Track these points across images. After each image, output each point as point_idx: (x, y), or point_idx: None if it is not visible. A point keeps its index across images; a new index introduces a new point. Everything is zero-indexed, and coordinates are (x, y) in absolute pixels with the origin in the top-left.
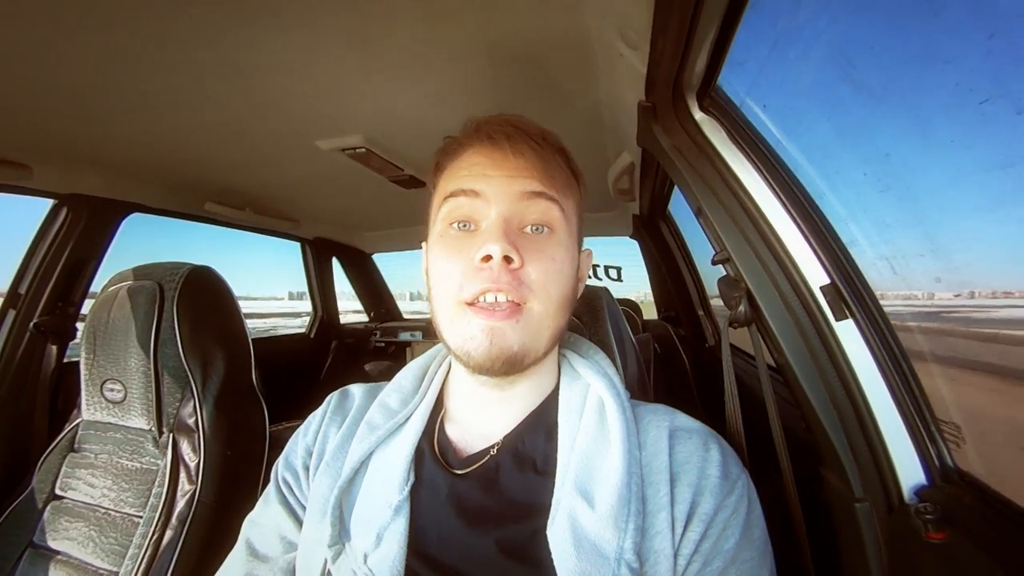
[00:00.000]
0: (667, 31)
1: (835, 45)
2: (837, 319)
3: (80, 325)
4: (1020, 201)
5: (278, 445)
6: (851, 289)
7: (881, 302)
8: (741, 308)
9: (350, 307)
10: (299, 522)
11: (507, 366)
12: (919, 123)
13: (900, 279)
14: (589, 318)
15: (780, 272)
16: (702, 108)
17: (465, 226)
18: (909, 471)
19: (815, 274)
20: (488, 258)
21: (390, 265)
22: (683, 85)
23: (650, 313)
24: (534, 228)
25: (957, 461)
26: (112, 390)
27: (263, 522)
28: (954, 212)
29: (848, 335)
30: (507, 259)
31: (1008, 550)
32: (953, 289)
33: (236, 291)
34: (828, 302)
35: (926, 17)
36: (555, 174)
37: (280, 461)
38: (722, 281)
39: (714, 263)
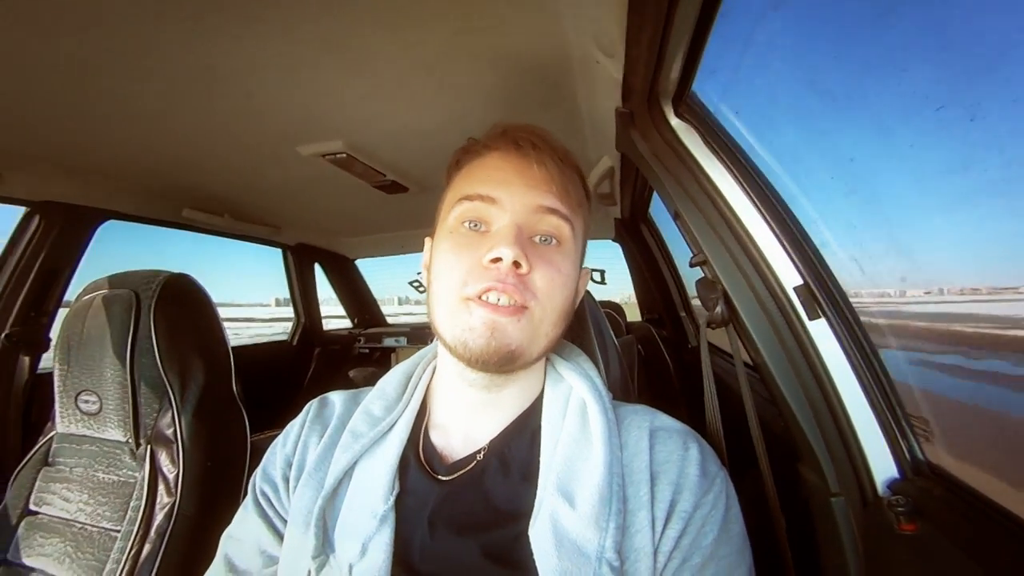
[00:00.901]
0: (640, 40)
1: (799, 54)
2: (810, 318)
3: (54, 335)
4: (977, 202)
5: (260, 454)
6: (823, 289)
7: (852, 300)
8: (718, 309)
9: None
10: (279, 535)
11: (503, 362)
12: (880, 129)
13: (868, 279)
14: (572, 322)
15: (755, 273)
16: (677, 114)
17: (476, 226)
18: (882, 465)
19: (788, 275)
20: (497, 260)
21: (376, 270)
22: (659, 92)
23: (634, 315)
24: (543, 239)
25: (927, 454)
26: (87, 401)
27: (241, 536)
28: (915, 213)
29: (821, 334)
30: (516, 264)
31: (975, 539)
32: (919, 287)
33: (219, 298)
34: (801, 302)
35: (882, 27)
36: (571, 192)
37: (258, 473)
38: (700, 283)
39: (692, 265)
